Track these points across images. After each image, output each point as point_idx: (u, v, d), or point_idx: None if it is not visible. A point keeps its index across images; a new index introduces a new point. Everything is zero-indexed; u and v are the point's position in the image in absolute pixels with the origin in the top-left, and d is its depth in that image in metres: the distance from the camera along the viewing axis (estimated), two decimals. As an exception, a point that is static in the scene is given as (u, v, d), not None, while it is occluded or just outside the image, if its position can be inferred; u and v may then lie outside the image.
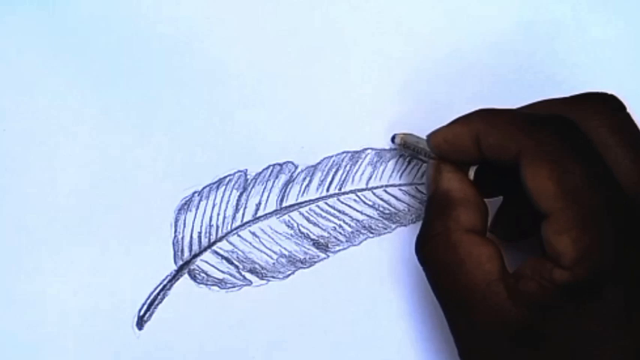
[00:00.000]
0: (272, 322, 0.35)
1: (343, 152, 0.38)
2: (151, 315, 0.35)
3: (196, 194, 0.37)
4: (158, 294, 0.35)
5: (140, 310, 0.35)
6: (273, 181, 0.37)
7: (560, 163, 0.27)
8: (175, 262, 0.36)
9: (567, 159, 0.27)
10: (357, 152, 0.38)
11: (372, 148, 0.38)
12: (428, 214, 0.30)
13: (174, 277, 0.36)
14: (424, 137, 0.33)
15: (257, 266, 0.36)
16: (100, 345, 0.35)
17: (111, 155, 0.37)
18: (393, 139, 0.36)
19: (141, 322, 0.35)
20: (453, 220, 0.29)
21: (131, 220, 0.36)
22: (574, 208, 0.26)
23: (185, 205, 0.37)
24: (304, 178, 0.37)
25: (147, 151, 0.37)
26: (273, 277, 0.36)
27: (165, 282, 0.36)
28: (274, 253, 0.36)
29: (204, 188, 0.37)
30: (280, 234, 0.37)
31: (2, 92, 0.38)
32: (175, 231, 0.36)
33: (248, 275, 0.36)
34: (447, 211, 0.29)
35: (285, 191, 0.37)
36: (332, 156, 0.38)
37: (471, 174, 0.31)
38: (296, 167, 0.37)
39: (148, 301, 0.35)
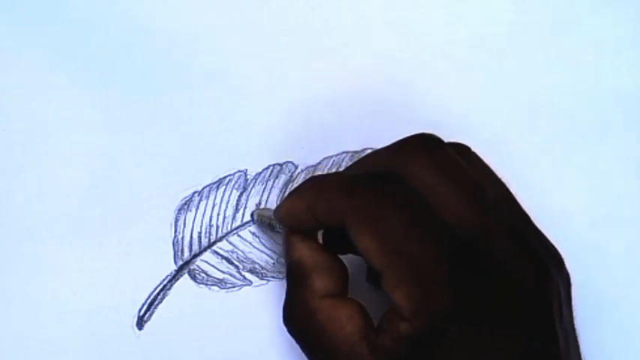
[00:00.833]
0: (272, 322, 0.35)
1: (343, 152, 0.38)
2: (151, 315, 0.35)
3: (196, 194, 0.37)
4: (158, 294, 0.35)
5: (140, 310, 0.35)
6: (273, 181, 0.37)
7: (380, 220, 0.27)
8: (175, 262, 0.36)
9: (386, 216, 0.27)
10: (357, 152, 0.38)
11: (372, 148, 0.38)
12: (287, 287, 0.31)
13: (174, 277, 0.36)
14: None
15: (257, 266, 0.36)
16: (100, 345, 0.35)
17: (111, 155, 0.37)
18: (252, 215, 0.37)
19: (141, 322, 0.35)
20: (308, 289, 0.30)
21: (131, 220, 0.36)
22: (401, 264, 0.27)
23: (185, 205, 0.37)
24: (304, 178, 0.37)
25: (147, 151, 0.37)
26: (273, 277, 0.36)
27: (165, 282, 0.36)
28: (274, 253, 0.36)
29: (204, 188, 0.37)
30: (280, 234, 0.37)
31: (2, 92, 0.38)
32: (175, 231, 0.36)
33: (248, 275, 0.36)
34: (301, 281, 0.30)
35: (285, 191, 0.37)
36: (332, 156, 0.38)
37: (320, 238, 0.31)
38: (296, 167, 0.37)
39: (148, 301, 0.35)
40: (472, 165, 0.30)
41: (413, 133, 0.31)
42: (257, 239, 0.37)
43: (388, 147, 0.31)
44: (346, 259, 0.31)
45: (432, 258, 0.27)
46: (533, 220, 0.31)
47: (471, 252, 0.27)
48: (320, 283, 0.30)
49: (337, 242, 0.31)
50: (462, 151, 0.31)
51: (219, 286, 0.36)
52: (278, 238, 0.36)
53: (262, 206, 0.37)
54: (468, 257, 0.27)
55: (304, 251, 0.31)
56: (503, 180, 0.31)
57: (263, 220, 0.35)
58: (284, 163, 0.37)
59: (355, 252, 0.32)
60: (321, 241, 0.32)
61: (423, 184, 0.28)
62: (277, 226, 0.33)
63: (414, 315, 0.26)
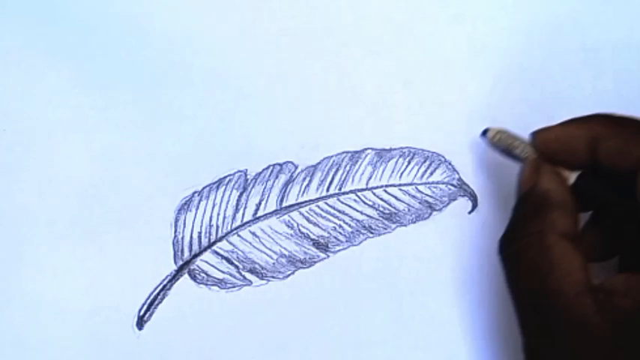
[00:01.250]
0: (272, 322, 0.35)
1: (343, 152, 0.38)
2: (151, 315, 0.35)
3: (196, 194, 0.37)
4: (158, 294, 0.35)
5: (140, 310, 0.35)
6: (273, 181, 0.37)
7: None
8: (175, 262, 0.36)
9: None
10: (357, 152, 0.38)
11: (372, 148, 0.38)
12: (519, 213, 0.29)
13: (174, 277, 0.36)
14: (521, 135, 0.32)
15: (257, 266, 0.36)
16: (100, 345, 0.35)
17: (111, 155, 0.37)
18: (484, 132, 0.34)
19: (141, 322, 0.35)
20: (549, 223, 0.28)
21: (131, 219, 0.36)
22: None
23: (185, 205, 0.37)
24: (304, 178, 0.37)
25: (147, 151, 0.37)
26: (273, 277, 0.36)
27: (165, 282, 0.36)
28: (274, 253, 0.36)
29: (204, 188, 0.37)
30: (280, 234, 0.37)
31: (2, 92, 0.38)
32: (175, 231, 0.36)
33: (248, 275, 0.36)
34: (544, 213, 0.28)
35: (285, 191, 0.37)
36: (332, 156, 0.38)
37: (572, 179, 0.29)
38: (296, 167, 0.37)
39: (148, 301, 0.35)
40: None
41: None
42: (257, 239, 0.37)
43: None
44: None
45: None
46: None
47: None
48: (563, 221, 0.28)
49: (583, 193, 0.29)
50: None
51: (219, 286, 0.36)
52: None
53: (262, 206, 0.37)
54: None
55: (555, 185, 0.29)
56: None
57: (500, 142, 0.33)
58: (284, 163, 0.37)
59: (594, 207, 0.30)
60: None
61: None
62: (520, 149, 0.31)
63: None
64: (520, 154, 0.31)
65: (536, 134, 0.31)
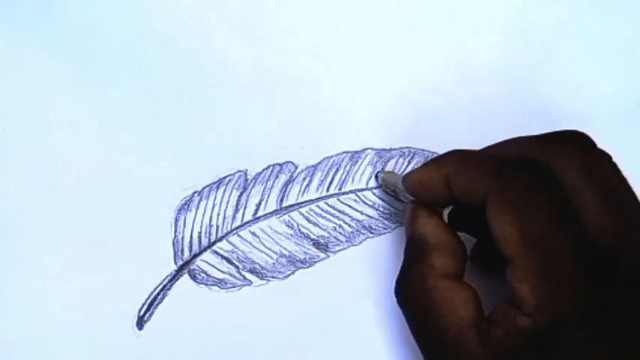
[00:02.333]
0: (272, 322, 0.35)
1: (343, 152, 0.38)
2: (151, 315, 0.35)
3: (196, 194, 0.37)
4: (158, 294, 0.35)
5: (140, 310, 0.35)
6: (273, 181, 0.37)
7: (524, 209, 0.26)
8: (175, 262, 0.36)
9: (532, 205, 0.26)
10: (357, 152, 0.38)
11: (372, 148, 0.38)
12: (405, 259, 0.31)
13: (174, 277, 0.36)
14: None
15: (257, 266, 0.36)
16: (100, 345, 0.35)
17: (111, 155, 0.37)
18: (376, 176, 0.36)
19: (141, 322, 0.35)
20: (428, 266, 0.29)
21: (131, 219, 0.36)
22: (535, 256, 0.26)
23: (185, 205, 0.37)
24: (304, 178, 0.37)
25: (147, 151, 0.37)
26: (273, 277, 0.36)
27: (165, 282, 0.36)
28: (274, 253, 0.36)
29: (204, 188, 0.37)
30: (280, 234, 0.37)
31: (2, 92, 0.38)
32: (175, 231, 0.36)
33: (248, 275, 0.36)
34: (423, 257, 0.30)
35: (285, 191, 0.37)
36: (332, 156, 0.38)
37: (445, 215, 0.31)
38: (296, 167, 0.37)
39: (148, 301, 0.35)
40: (615, 175, 0.30)
41: (565, 129, 0.30)
42: (257, 239, 0.37)
43: (538, 136, 0.30)
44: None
45: (571, 258, 0.26)
46: None
47: (607, 263, 0.26)
48: (441, 262, 0.29)
49: (459, 223, 0.30)
50: (607, 159, 0.30)
51: (219, 286, 0.36)
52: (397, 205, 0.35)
53: (262, 206, 0.37)
54: (604, 267, 0.26)
55: (430, 228, 0.30)
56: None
57: (387, 186, 0.34)
58: (284, 163, 0.37)
59: (475, 233, 0.31)
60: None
61: (571, 181, 0.27)
62: (402, 194, 0.32)
63: (536, 310, 0.26)
64: (404, 199, 0.33)
65: (404, 178, 0.32)
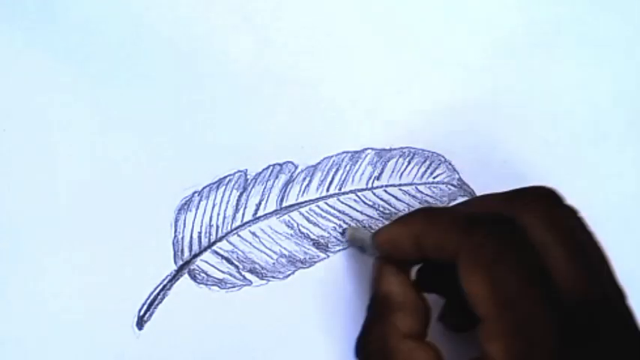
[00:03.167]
0: (272, 322, 0.35)
1: (343, 152, 0.38)
2: (151, 315, 0.35)
3: (196, 194, 0.37)
4: (158, 294, 0.35)
5: (140, 310, 0.35)
6: (273, 181, 0.37)
7: (495, 268, 0.26)
8: (175, 262, 0.36)
9: (502, 263, 0.26)
10: (357, 152, 0.38)
11: (372, 148, 0.38)
12: (368, 317, 0.31)
13: (174, 277, 0.36)
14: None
15: (257, 266, 0.36)
16: (100, 345, 0.35)
17: (111, 155, 0.37)
18: (343, 232, 0.36)
19: (141, 322, 0.35)
20: (390, 325, 0.29)
21: (131, 219, 0.36)
22: (506, 315, 0.26)
23: (185, 205, 0.37)
24: (304, 178, 0.37)
25: (147, 151, 0.37)
26: (273, 277, 0.36)
27: (165, 282, 0.36)
28: (274, 253, 0.36)
29: (204, 188, 0.37)
30: (280, 234, 0.37)
31: (2, 92, 0.38)
32: (175, 231, 0.36)
33: (248, 275, 0.36)
34: (386, 316, 0.30)
35: (285, 191, 0.37)
36: (332, 156, 0.38)
37: (414, 274, 0.31)
38: (296, 167, 0.37)
39: (148, 301, 0.35)
40: (582, 231, 0.30)
41: (532, 185, 0.30)
42: (257, 239, 0.37)
43: (505, 193, 0.30)
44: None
45: (541, 317, 0.26)
46: None
47: (577, 318, 0.26)
48: (404, 322, 0.29)
49: (428, 282, 0.30)
50: (573, 214, 0.30)
51: (219, 286, 0.36)
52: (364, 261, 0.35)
53: (262, 206, 0.37)
54: (574, 324, 0.26)
55: (395, 286, 0.30)
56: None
57: (354, 241, 0.35)
58: (284, 163, 0.37)
59: (443, 294, 0.31)
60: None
61: (539, 237, 0.27)
62: (370, 251, 0.32)
63: None
64: (370, 255, 0.32)
65: (372, 236, 0.32)
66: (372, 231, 0.33)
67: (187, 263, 0.36)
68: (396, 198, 0.37)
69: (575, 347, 0.26)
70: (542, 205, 0.29)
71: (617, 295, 0.28)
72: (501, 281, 0.26)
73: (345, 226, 0.37)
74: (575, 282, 0.27)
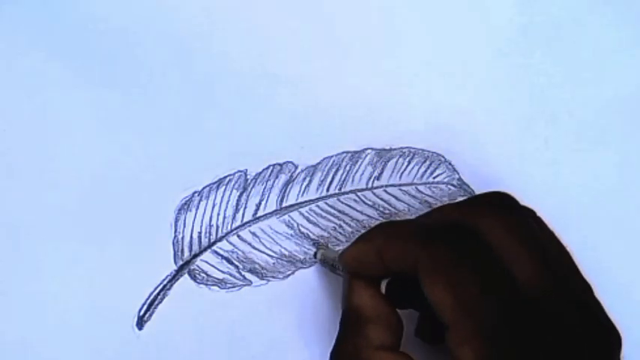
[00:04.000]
0: (272, 322, 0.35)
1: (343, 152, 0.38)
2: (151, 315, 0.35)
3: (196, 194, 0.37)
4: (158, 294, 0.35)
5: (140, 310, 0.35)
6: (273, 181, 0.37)
7: (455, 274, 0.27)
8: (175, 262, 0.36)
9: (462, 269, 0.27)
10: (357, 152, 0.38)
11: (372, 148, 0.38)
12: (340, 331, 0.31)
13: (174, 277, 0.36)
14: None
15: (257, 266, 0.36)
16: (100, 345, 0.35)
17: (111, 155, 0.37)
18: (315, 254, 0.36)
19: (141, 322, 0.35)
20: (363, 338, 0.29)
21: (131, 219, 0.36)
22: (471, 319, 0.26)
23: (185, 205, 0.37)
24: (304, 178, 0.37)
25: (147, 151, 0.37)
26: (273, 277, 0.36)
27: (165, 282, 0.36)
28: (274, 253, 0.36)
29: (204, 188, 0.37)
30: (280, 234, 0.37)
31: (2, 92, 0.38)
32: (175, 231, 0.36)
33: (248, 275, 0.36)
34: (358, 329, 0.30)
35: (285, 191, 0.37)
36: (332, 156, 0.38)
37: (382, 287, 0.31)
38: (296, 167, 0.37)
39: (148, 301, 0.35)
40: (540, 230, 0.30)
41: (489, 191, 0.31)
42: (257, 239, 0.37)
43: (461, 202, 0.31)
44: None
45: (503, 318, 0.26)
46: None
47: (535, 314, 0.27)
48: (376, 334, 0.29)
49: (398, 295, 0.31)
50: (530, 214, 0.31)
51: (219, 286, 0.36)
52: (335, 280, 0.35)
53: (262, 206, 0.37)
54: (533, 318, 0.27)
55: (365, 299, 0.30)
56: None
57: (326, 261, 0.35)
58: (284, 163, 0.37)
59: (416, 307, 0.32)
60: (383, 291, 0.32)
61: (498, 241, 0.28)
62: (340, 268, 0.33)
63: None
64: (342, 274, 0.33)
65: (340, 255, 0.32)
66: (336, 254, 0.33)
67: (187, 263, 0.36)
68: (396, 198, 0.37)
69: (541, 339, 0.26)
70: (499, 209, 0.29)
71: (582, 288, 0.29)
72: (462, 285, 0.27)
73: (345, 226, 0.37)
74: (538, 278, 0.28)
